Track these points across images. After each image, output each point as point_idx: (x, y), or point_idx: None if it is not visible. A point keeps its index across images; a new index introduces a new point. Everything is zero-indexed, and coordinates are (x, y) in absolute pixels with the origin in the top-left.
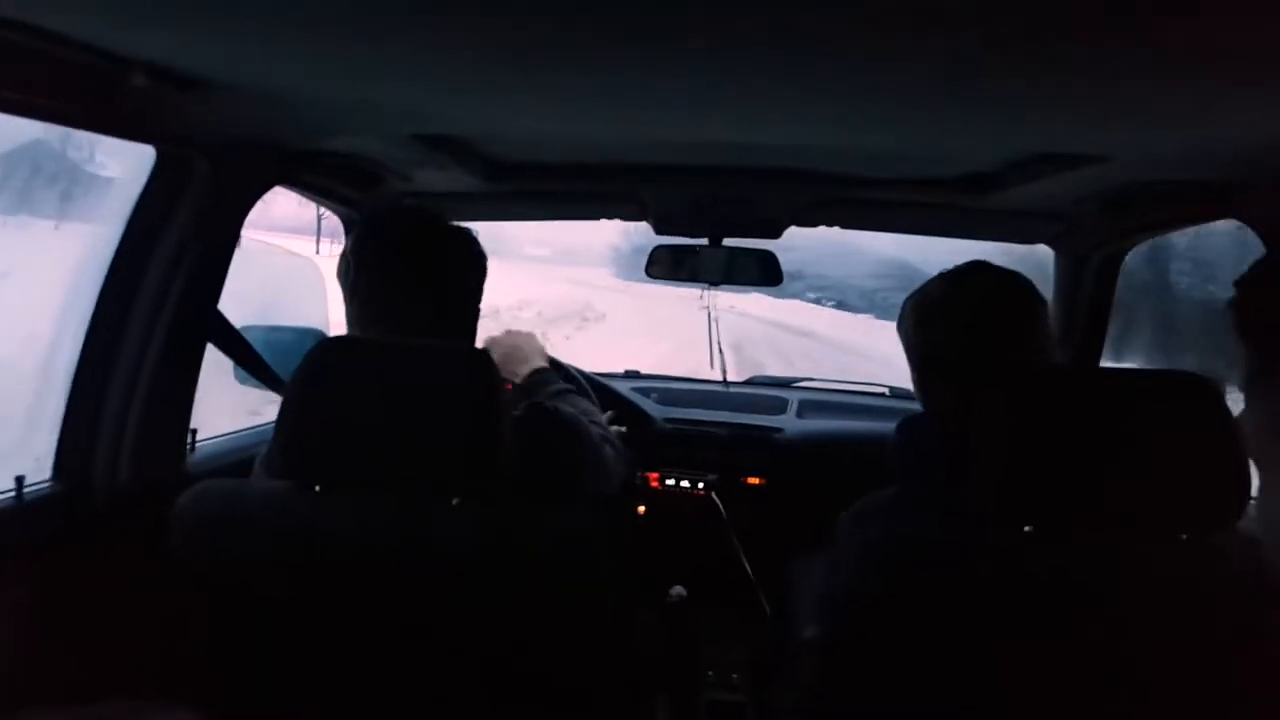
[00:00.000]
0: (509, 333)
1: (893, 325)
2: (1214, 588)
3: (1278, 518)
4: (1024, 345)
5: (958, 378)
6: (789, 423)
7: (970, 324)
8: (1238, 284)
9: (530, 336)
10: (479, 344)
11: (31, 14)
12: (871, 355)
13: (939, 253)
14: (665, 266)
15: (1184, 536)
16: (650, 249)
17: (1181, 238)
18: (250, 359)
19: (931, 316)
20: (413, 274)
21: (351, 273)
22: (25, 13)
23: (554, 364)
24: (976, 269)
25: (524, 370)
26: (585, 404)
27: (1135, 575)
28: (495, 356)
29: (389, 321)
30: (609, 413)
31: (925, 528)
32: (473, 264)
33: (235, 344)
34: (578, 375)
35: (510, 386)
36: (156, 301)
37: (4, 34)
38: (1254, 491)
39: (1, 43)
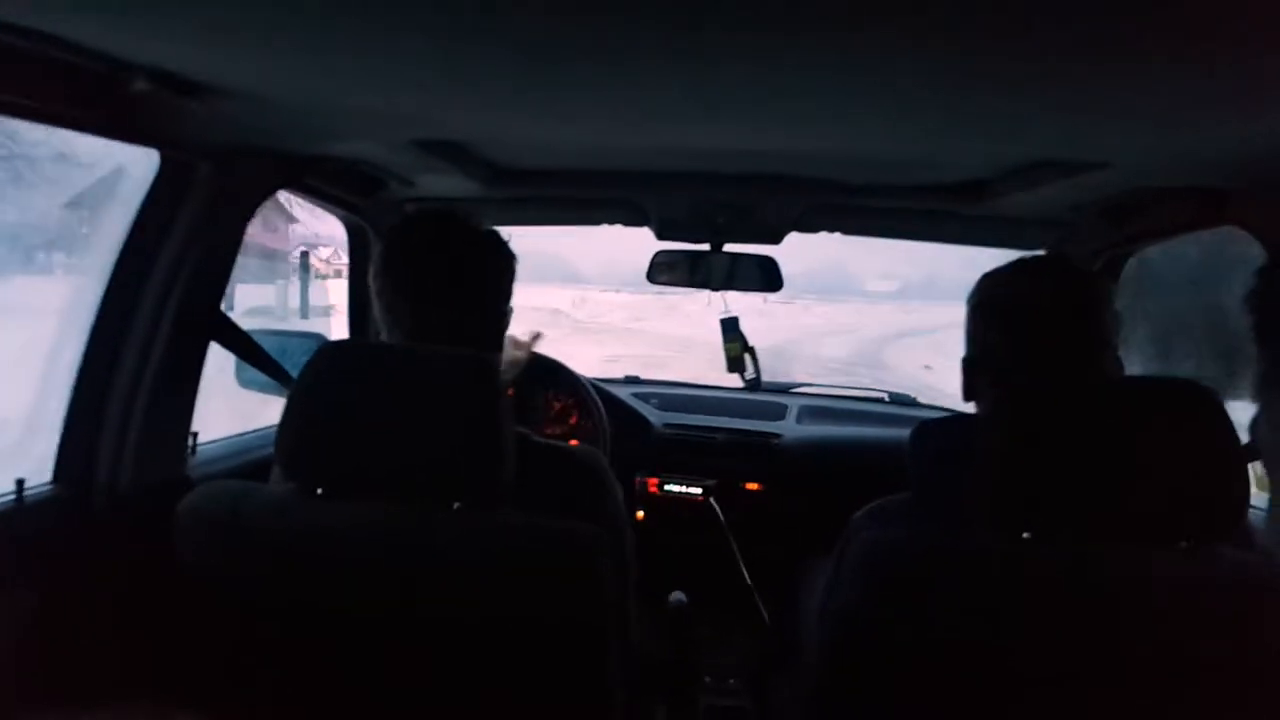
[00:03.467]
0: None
1: None
2: (1213, 594)
3: None
4: (1082, 355)
5: (1005, 377)
6: (788, 428)
7: (1029, 325)
8: (1259, 276)
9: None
10: None
11: (35, 19)
12: None
13: None
14: (667, 272)
15: (1184, 544)
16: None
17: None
18: (257, 356)
19: (989, 307)
20: (440, 279)
21: (380, 277)
22: (28, 18)
23: (553, 366)
24: (1052, 266)
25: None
26: None
27: (1134, 582)
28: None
29: (415, 327)
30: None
31: (924, 534)
32: (501, 268)
33: (242, 343)
34: (583, 382)
35: (511, 392)
36: (159, 304)
37: (7, 38)
38: (1255, 501)
39: (5, 47)
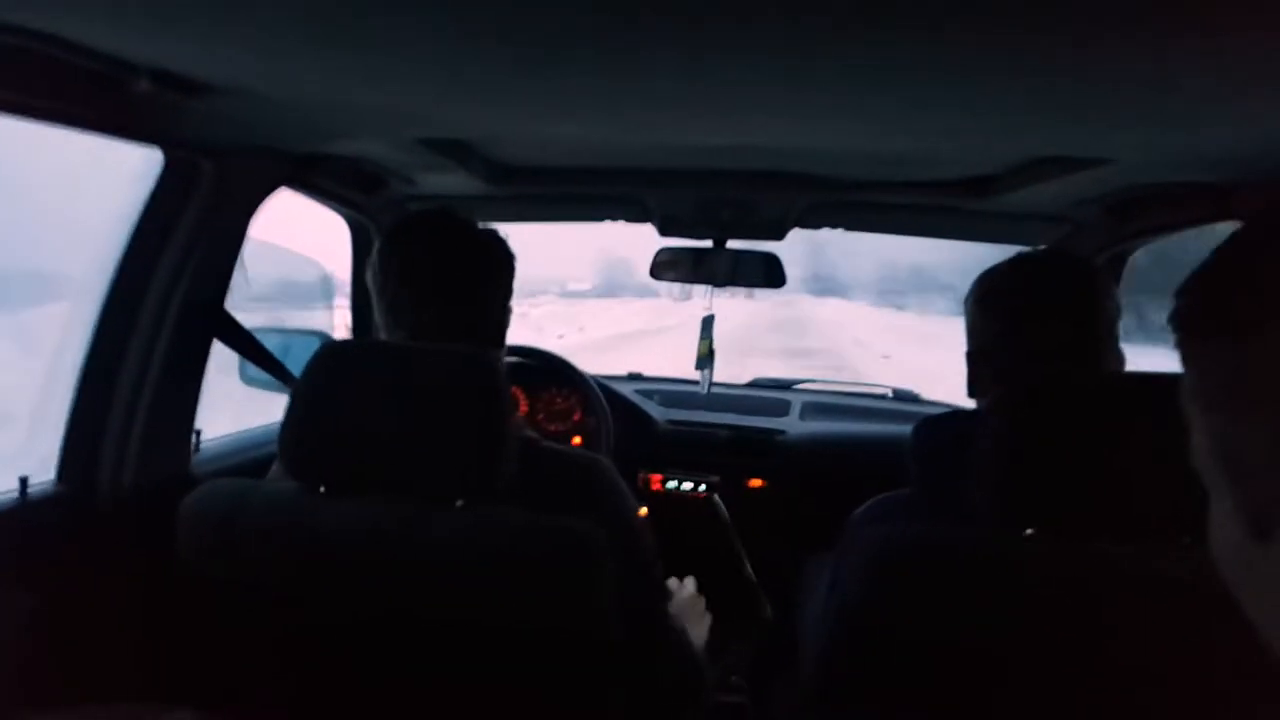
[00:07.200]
0: None
1: None
2: (1217, 592)
3: (1222, 548)
4: (1082, 349)
5: (1004, 371)
6: (791, 425)
7: (1025, 317)
8: (1185, 291)
9: None
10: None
11: (36, 19)
12: None
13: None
14: (671, 269)
15: (1187, 540)
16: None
17: None
18: (260, 355)
19: (991, 301)
20: (439, 277)
21: (379, 276)
22: (30, 18)
23: (557, 363)
24: (1051, 260)
25: None
26: None
27: (1137, 579)
28: None
29: (416, 324)
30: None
31: (928, 531)
32: (501, 265)
33: (244, 342)
34: (586, 379)
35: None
36: (162, 302)
37: (9, 39)
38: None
39: (7, 47)
